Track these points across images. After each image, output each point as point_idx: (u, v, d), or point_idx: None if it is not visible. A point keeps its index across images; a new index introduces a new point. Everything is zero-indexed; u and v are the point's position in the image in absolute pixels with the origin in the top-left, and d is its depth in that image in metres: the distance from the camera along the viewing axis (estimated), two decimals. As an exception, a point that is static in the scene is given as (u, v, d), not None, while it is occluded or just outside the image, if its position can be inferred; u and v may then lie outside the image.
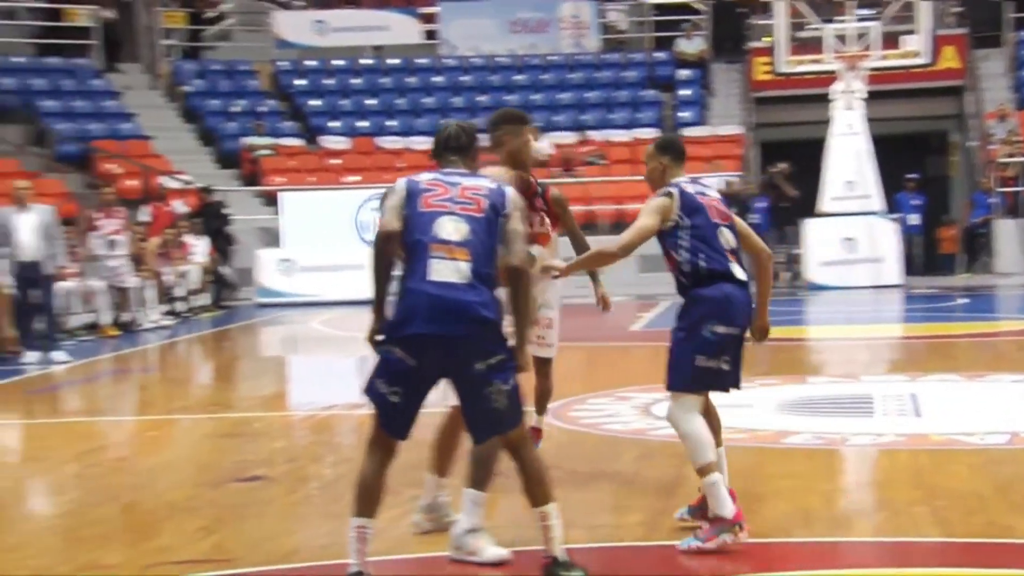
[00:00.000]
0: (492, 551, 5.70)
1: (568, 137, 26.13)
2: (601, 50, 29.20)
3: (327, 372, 14.99)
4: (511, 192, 5.63)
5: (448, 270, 5.16)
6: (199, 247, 19.86)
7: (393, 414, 5.35)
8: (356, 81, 28.82)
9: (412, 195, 5.39)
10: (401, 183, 5.51)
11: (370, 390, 5.44)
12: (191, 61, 28.88)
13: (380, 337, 5.38)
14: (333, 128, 27.29)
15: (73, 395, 12.33)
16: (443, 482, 6.45)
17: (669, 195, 6.20)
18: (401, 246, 5.40)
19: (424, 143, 25.68)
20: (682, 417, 6.07)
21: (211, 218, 21.25)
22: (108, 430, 11.28)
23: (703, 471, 5.94)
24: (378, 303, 5.29)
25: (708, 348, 6.05)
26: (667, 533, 6.44)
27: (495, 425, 5.31)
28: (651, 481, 7.85)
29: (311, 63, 28.90)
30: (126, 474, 8.78)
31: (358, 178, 24.95)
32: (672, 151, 6.52)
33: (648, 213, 6.22)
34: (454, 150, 5.71)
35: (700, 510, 6.17)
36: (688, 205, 6.15)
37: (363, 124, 27.45)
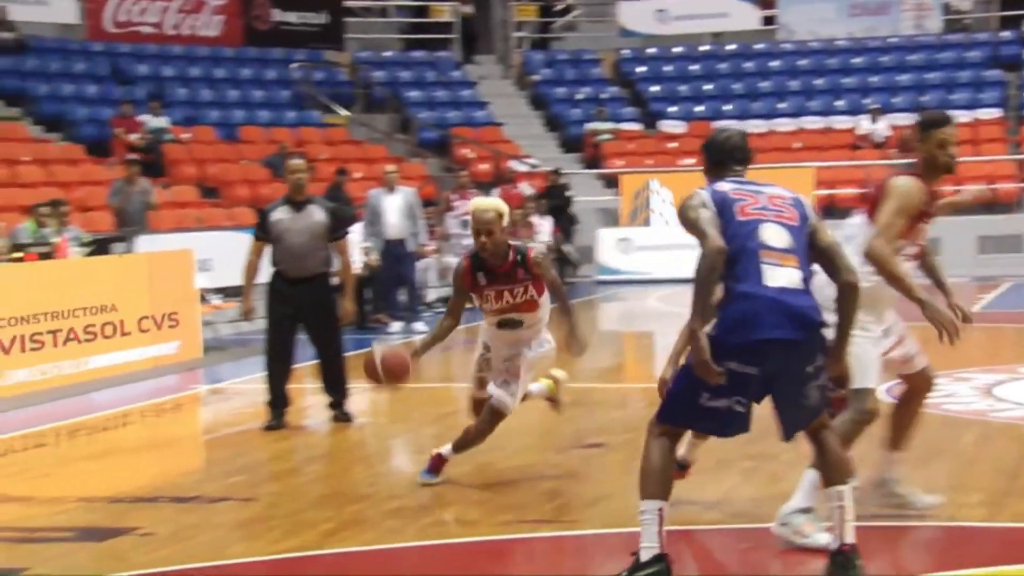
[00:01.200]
0: (822, 536, 5.45)
1: (906, 119, 25.14)
2: (943, 31, 28.26)
3: (663, 347, 15.08)
4: (808, 201, 5.35)
5: (782, 276, 4.96)
6: (544, 226, 20.32)
7: (733, 422, 5.18)
8: (694, 67, 28.83)
9: (724, 206, 5.11)
10: (703, 196, 5.17)
11: (691, 409, 5.14)
12: (540, 52, 29.63)
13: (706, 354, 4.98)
14: (671, 113, 27.39)
15: (431, 362, 12.86)
16: (895, 457, 6.22)
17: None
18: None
19: (760, 127, 25.92)
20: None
21: (555, 199, 21.73)
22: (463, 396, 11.71)
23: None
24: (703, 321, 4.95)
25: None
26: (1011, 515, 6.20)
27: (806, 421, 5.13)
28: (991, 462, 7.59)
29: (652, 51, 29.14)
30: (479, 437, 9.16)
31: (693, 161, 24.39)
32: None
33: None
34: (740, 161, 5.39)
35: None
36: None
37: (700, 109, 27.44)
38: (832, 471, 5.11)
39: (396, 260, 15.63)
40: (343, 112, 24.89)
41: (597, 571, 5.83)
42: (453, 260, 18.78)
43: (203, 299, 13.55)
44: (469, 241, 20.71)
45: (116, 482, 8.15)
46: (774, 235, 5.04)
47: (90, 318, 12.05)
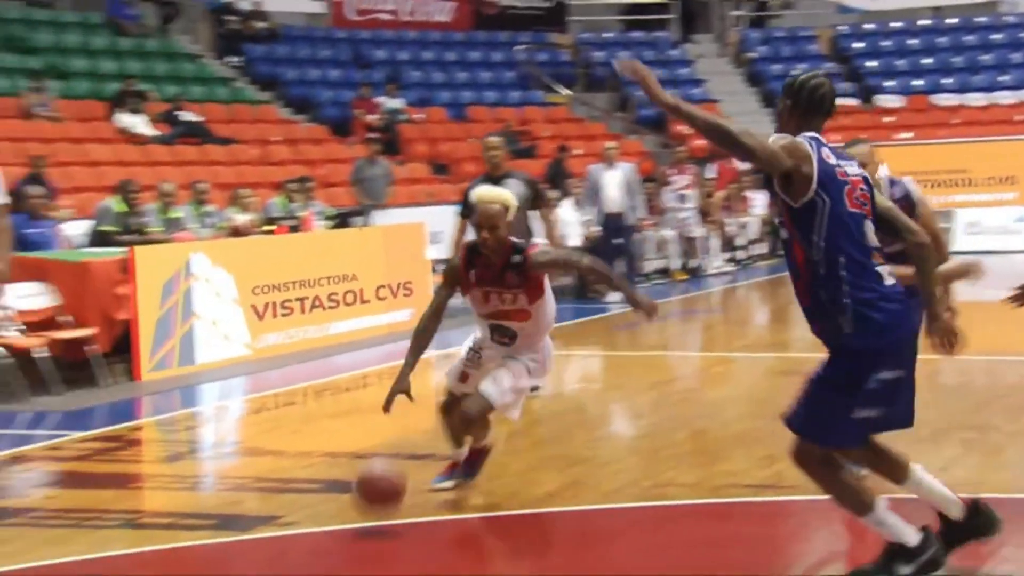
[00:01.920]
0: None
1: None
2: None
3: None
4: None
5: (887, 272, 4.63)
6: (758, 200, 20.58)
7: (894, 420, 4.87)
8: (913, 41, 28.93)
9: (828, 179, 4.51)
10: (806, 148, 4.50)
11: (847, 426, 4.77)
12: (757, 30, 30.18)
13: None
14: (888, 87, 27.48)
15: (649, 331, 13.31)
16: None
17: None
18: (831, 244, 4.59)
19: (981, 100, 25.70)
20: None
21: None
22: (677, 364, 12.21)
23: None
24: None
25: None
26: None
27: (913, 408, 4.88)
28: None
29: (870, 26, 29.35)
30: (694, 404, 9.65)
31: (911, 135, 24.77)
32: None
33: None
34: (828, 114, 4.75)
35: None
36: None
37: (918, 83, 27.47)
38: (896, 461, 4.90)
39: (615, 232, 16.30)
40: (565, 91, 26.00)
41: (812, 536, 6.02)
42: (668, 233, 19.48)
43: (433, 269, 14.23)
44: (686, 214, 20.69)
45: (358, 439, 8.91)
46: (872, 233, 4.65)
47: (333, 287, 13.44)
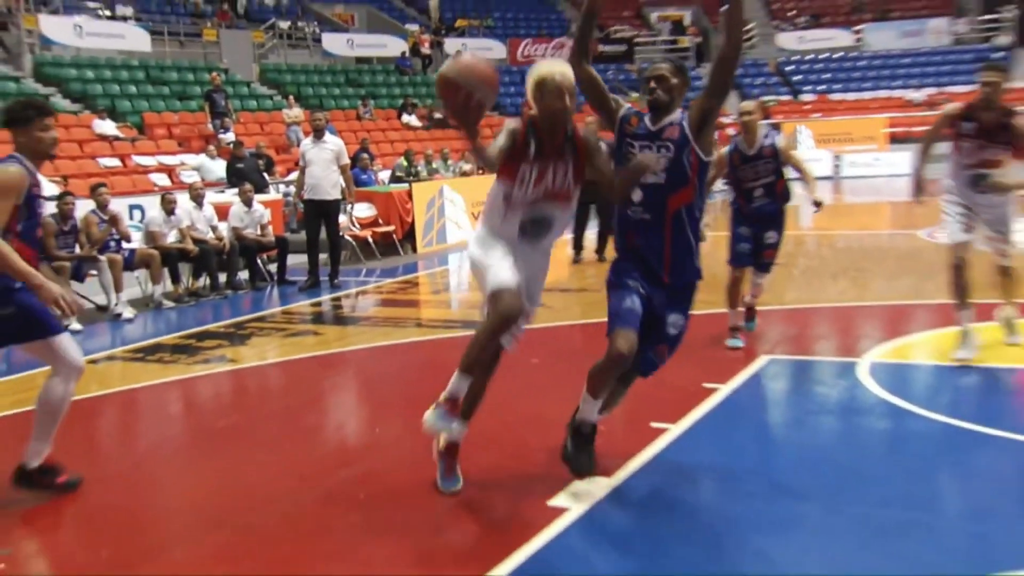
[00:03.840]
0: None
1: None
2: None
3: None
4: None
5: None
6: None
7: None
8: (819, 65, 36.12)
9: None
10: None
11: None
12: None
13: None
14: (806, 89, 35.10)
15: None
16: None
17: None
18: None
19: (855, 97, 34.57)
20: None
21: None
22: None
23: None
24: None
25: None
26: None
27: None
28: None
29: (796, 57, 36.61)
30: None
31: (819, 115, 32.72)
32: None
33: None
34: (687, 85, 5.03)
35: None
36: None
37: (822, 87, 35.44)
38: None
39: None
40: (635, 95, 30.31)
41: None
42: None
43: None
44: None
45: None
46: None
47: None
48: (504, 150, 4.87)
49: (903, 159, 27.28)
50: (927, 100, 31.99)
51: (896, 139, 30.31)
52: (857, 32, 37.71)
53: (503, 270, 4.84)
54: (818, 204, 8.16)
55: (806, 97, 35.33)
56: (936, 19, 36.69)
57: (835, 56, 37.11)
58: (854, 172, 29.47)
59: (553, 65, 4.90)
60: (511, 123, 5.01)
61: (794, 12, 39.79)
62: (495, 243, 5.00)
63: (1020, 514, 4.69)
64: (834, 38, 37.69)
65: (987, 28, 35.92)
